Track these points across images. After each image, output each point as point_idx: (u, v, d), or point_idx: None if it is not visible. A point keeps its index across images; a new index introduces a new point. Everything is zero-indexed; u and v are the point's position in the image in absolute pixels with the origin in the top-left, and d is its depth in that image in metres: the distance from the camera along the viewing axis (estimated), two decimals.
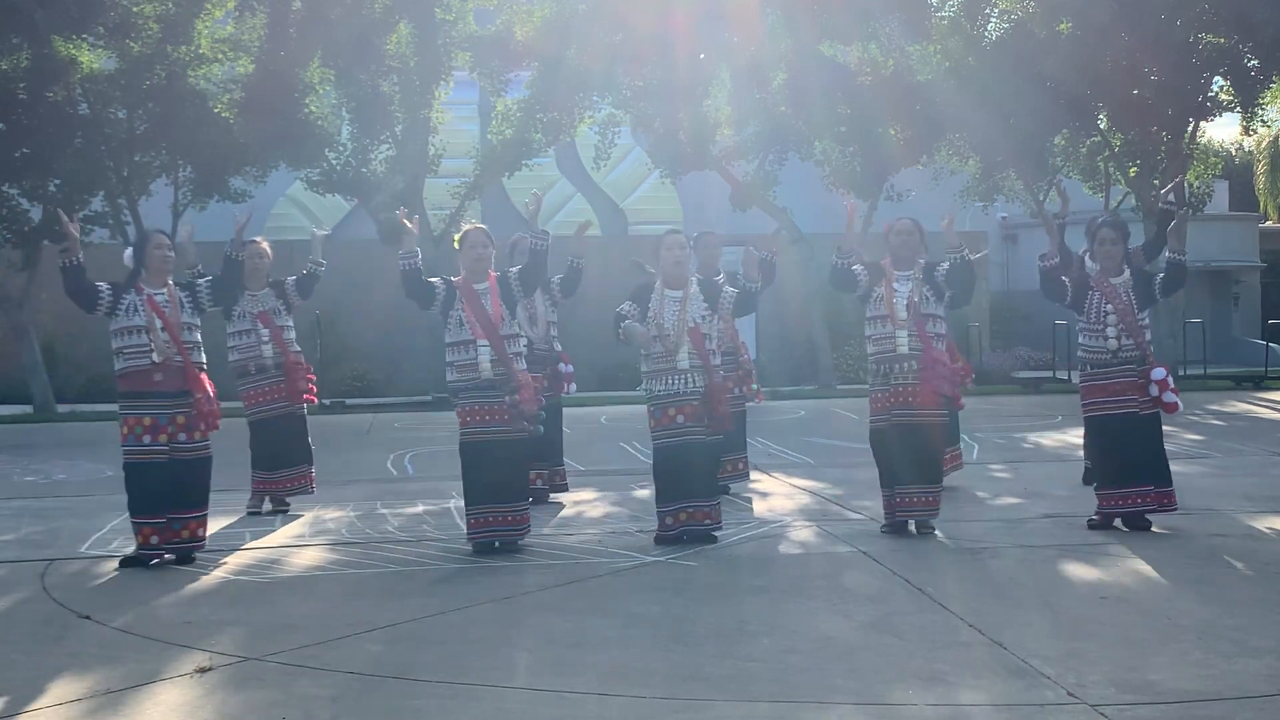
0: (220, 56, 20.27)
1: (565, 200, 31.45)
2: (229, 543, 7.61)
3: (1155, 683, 4.46)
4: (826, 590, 6.06)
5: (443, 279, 7.22)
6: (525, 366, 7.37)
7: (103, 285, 6.98)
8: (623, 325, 7.37)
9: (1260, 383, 22.09)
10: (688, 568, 6.67)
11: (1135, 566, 6.47)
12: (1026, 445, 12.64)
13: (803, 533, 7.67)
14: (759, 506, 8.76)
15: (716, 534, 7.32)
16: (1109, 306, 7.46)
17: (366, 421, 17.20)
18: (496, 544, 7.14)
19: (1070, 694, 4.35)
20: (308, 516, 8.57)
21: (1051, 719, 4.16)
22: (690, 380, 7.23)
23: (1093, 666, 4.65)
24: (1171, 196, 8.31)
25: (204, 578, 6.64)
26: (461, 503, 8.86)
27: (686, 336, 7.23)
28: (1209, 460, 11.04)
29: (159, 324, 6.89)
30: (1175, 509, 7.52)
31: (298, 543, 7.65)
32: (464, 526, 7.61)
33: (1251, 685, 4.43)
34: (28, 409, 19.80)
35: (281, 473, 8.77)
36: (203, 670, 4.80)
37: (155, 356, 6.85)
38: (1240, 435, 13.23)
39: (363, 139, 21.04)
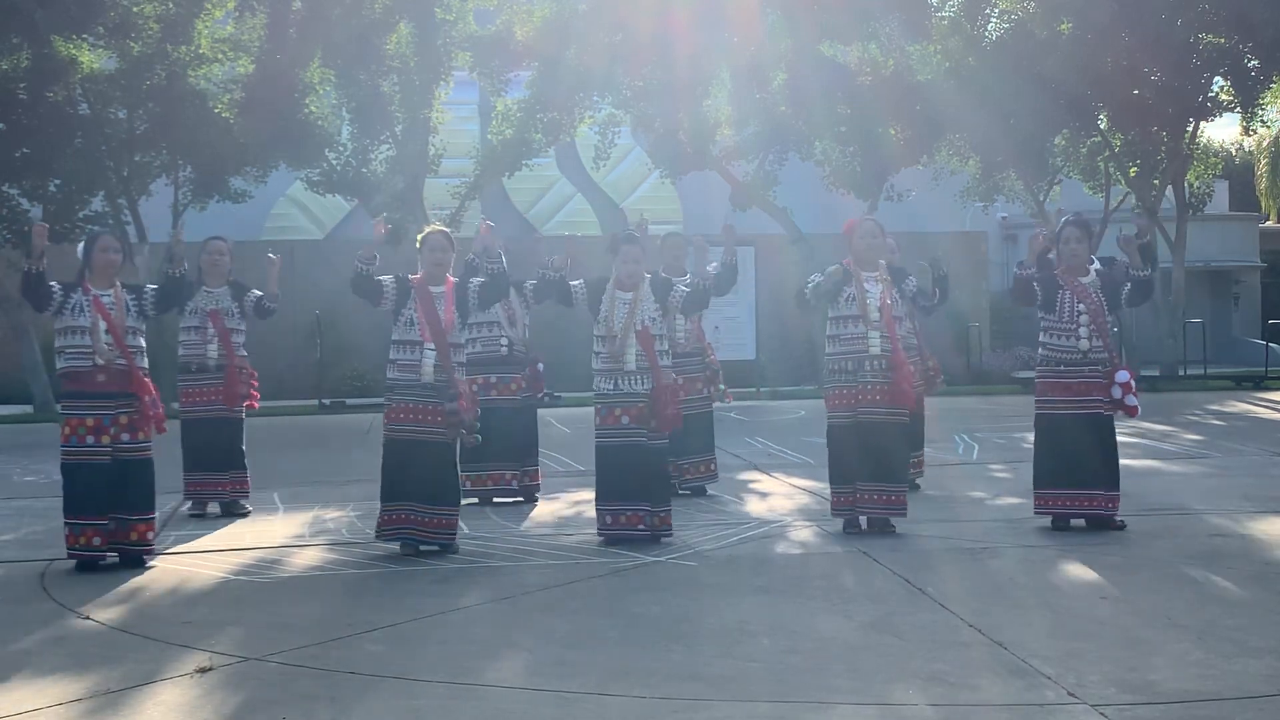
0: (220, 56, 20.26)
1: (565, 200, 31.48)
2: (229, 543, 7.61)
3: (1155, 683, 4.47)
4: (826, 590, 6.06)
5: (395, 276, 7.16)
6: (465, 375, 7.27)
7: (55, 285, 6.89)
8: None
9: (1260, 383, 22.08)
10: (688, 568, 6.67)
11: (1135, 566, 6.47)
12: (1026, 445, 12.56)
13: (803, 533, 7.67)
14: (759, 506, 8.76)
15: (664, 538, 7.25)
16: (1081, 306, 7.43)
17: (366, 421, 17.18)
18: (419, 547, 7.02)
19: (1070, 694, 4.35)
20: (308, 516, 8.57)
21: (1051, 719, 4.16)
22: (637, 381, 7.23)
23: (1093, 666, 4.65)
24: (1135, 234, 8.16)
25: (204, 578, 6.63)
26: (461, 503, 8.89)
27: (634, 338, 7.24)
28: (1209, 460, 11.03)
29: (103, 326, 6.82)
30: (1116, 515, 7.42)
31: (298, 543, 7.65)
32: (464, 527, 7.62)
33: (1251, 685, 4.44)
34: (28, 409, 19.80)
35: (213, 475, 8.63)
36: (203, 670, 4.79)
37: (97, 359, 6.78)
38: (1240, 435, 13.22)
39: (363, 139, 21.04)
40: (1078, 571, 6.41)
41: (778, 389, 20.63)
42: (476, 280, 7.40)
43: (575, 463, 11.16)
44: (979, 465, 10.76)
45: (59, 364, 6.88)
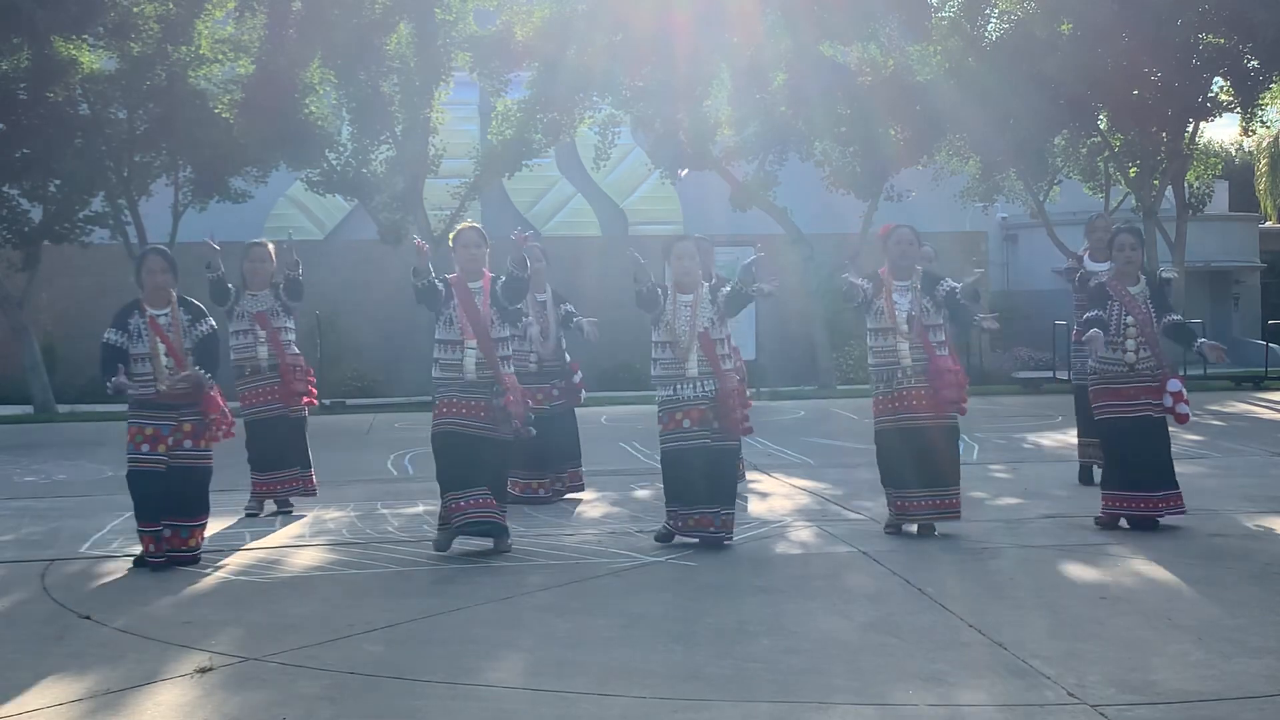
0: (220, 57, 20.28)
1: (565, 200, 31.46)
2: (229, 543, 7.61)
3: (1155, 683, 4.47)
4: (826, 590, 6.06)
5: (440, 278, 7.21)
6: (513, 370, 7.31)
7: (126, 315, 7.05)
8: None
9: (1260, 383, 22.09)
10: (688, 568, 6.67)
11: (1135, 566, 6.47)
12: (1026, 445, 12.64)
13: (803, 533, 7.67)
14: (759, 506, 8.76)
15: (727, 542, 7.21)
16: (1130, 318, 7.42)
17: (366, 421, 17.20)
18: (477, 534, 7.07)
19: (1070, 694, 4.35)
20: (308, 517, 8.57)
21: (1051, 719, 4.16)
22: (699, 386, 7.21)
23: (1093, 666, 4.65)
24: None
25: (204, 578, 6.64)
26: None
27: (696, 342, 7.22)
28: (1209, 460, 11.04)
29: (162, 349, 6.92)
30: (1184, 511, 7.50)
31: (298, 543, 7.65)
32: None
33: (1251, 685, 4.44)
34: (28, 409, 19.80)
35: (277, 474, 8.72)
36: (203, 670, 4.80)
37: (160, 386, 6.87)
38: (1240, 435, 13.23)
39: (363, 139, 21.04)
40: (1078, 571, 6.41)
41: (778, 389, 20.62)
42: (500, 279, 7.39)
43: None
44: (979, 465, 10.76)
45: (129, 392, 6.92)
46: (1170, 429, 7.68)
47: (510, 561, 6.94)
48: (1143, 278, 7.58)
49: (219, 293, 8.56)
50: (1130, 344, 7.40)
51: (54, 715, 4.35)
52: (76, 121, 19.71)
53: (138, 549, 7.00)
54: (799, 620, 5.46)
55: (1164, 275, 7.70)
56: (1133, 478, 7.41)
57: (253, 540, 7.72)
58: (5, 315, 20.13)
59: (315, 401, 9.04)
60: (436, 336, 7.16)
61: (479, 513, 6.99)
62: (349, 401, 20.14)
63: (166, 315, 7.02)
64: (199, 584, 6.51)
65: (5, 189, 19.65)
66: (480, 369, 7.04)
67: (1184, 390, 7.44)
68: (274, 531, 8.05)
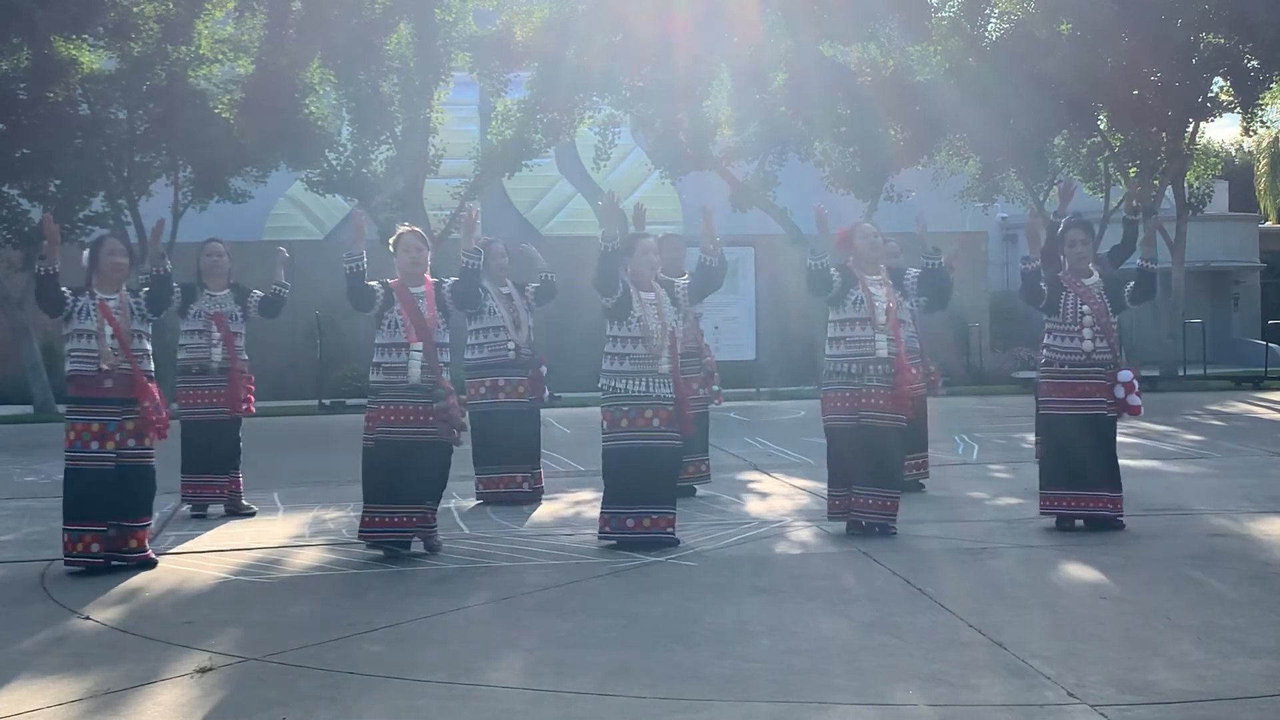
0: (220, 57, 20.28)
1: (565, 200, 31.45)
2: (229, 543, 7.61)
3: (1155, 683, 4.46)
4: (826, 590, 6.06)
5: (380, 282, 7.08)
6: (449, 375, 7.16)
7: (66, 291, 6.85)
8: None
9: (1260, 383, 22.09)
10: (688, 568, 6.67)
11: (1135, 566, 6.47)
12: (1026, 445, 12.61)
13: (803, 533, 7.67)
14: (759, 506, 8.76)
15: (677, 540, 7.17)
16: (1085, 307, 7.42)
17: None
18: (402, 550, 6.96)
19: (1070, 694, 4.35)
20: (308, 516, 8.57)
21: (1051, 719, 4.16)
22: (668, 384, 7.17)
23: (1093, 666, 4.65)
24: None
25: (204, 578, 6.64)
26: (461, 503, 8.91)
27: (667, 339, 7.19)
28: (1209, 460, 11.03)
29: (109, 330, 6.79)
30: (1121, 515, 7.43)
31: (298, 543, 7.65)
32: (464, 528, 7.63)
33: (1251, 685, 4.43)
34: (28, 409, 19.80)
35: (208, 479, 8.63)
36: (203, 670, 4.79)
37: (102, 364, 6.75)
38: (1240, 435, 13.22)
39: (363, 139, 21.04)
40: (1078, 571, 6.41)
41: (778, 389, 20.62)
42: (450, 280, 7.27)
43: (575, 463, 11.16)
44: (979, 465, 10.76)
45: (67, 367, 6.85)
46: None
47: (510, 561, 6.95)
48: (1095, 272, 7.59)
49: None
50: (1086, 333, 7.39)
51: (54, 715, 4.35)
52: (76, 121, 19.71)
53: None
54: (799, 620, 5.46)
55: (1127, 218, 7.80)
56: (1080, 476, 7.39)
57: (252, 540, 7.72)
58: (5, 315, 20.14)
59: (253, 409, 8.89)
60: (377, 341, 7.03)
61: (399, 532, 6.95)
62: (349, 401, 20.12)
63: (115, 300, 6.90)
64: (199, 584, 6.50)
65: (5, 189, 19.65)
66: (425, 373, 6.95)
67: (1135, 381, 7.40)
68: (274, 531, 8.05)
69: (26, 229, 19.76)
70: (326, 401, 20.30)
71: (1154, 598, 5.80)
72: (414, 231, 7.29)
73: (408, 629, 5.44)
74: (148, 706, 4.41)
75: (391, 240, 7.33)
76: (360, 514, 7.09)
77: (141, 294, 7.13)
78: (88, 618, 5.73)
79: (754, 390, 20.74)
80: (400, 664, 4.88)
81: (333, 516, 8.56)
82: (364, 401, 7.30)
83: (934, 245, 7.67)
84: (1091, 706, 4.22)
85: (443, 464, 7.10)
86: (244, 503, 8.82)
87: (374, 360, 7.06)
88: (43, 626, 5.62)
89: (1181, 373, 22.67)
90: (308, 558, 7.17)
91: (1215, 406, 17.24)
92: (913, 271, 7.61)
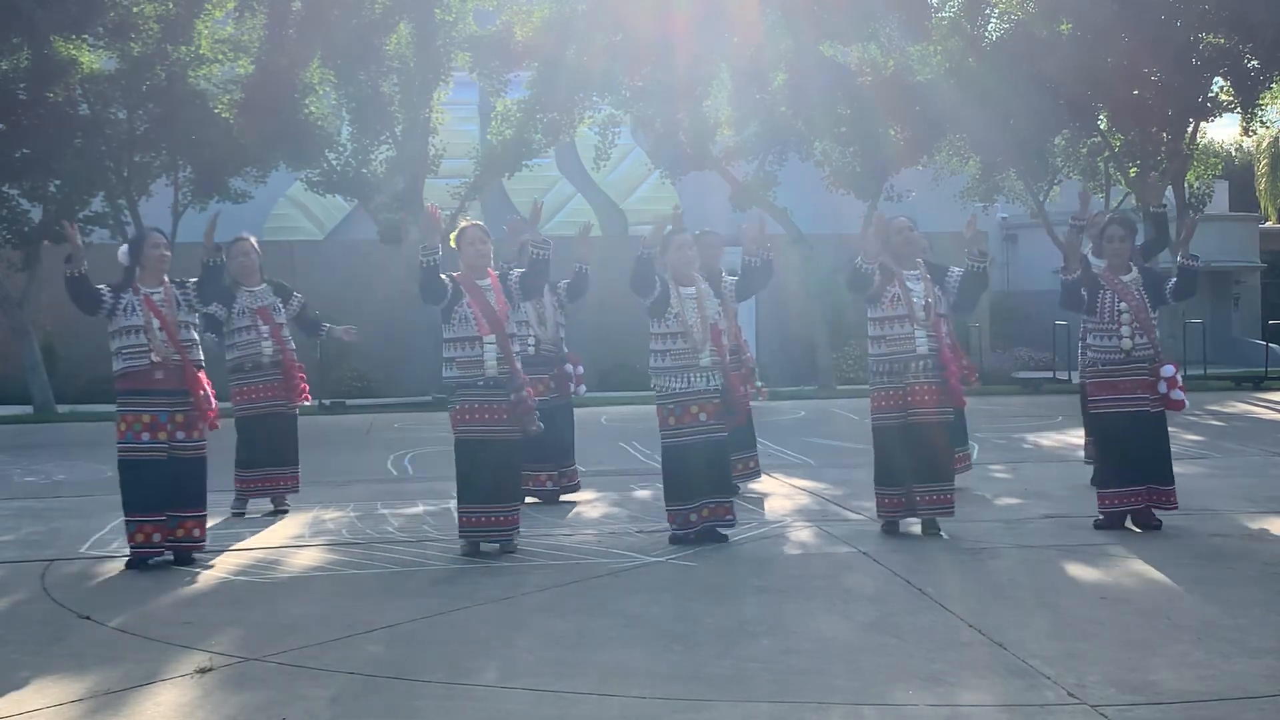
0: (220, 57, 20.28)
1: (565, 200, 31.45)
2: (229, 543, 7.61)
3: (1155, 683, 4.47)
4: (826, 590, 6.06)
5: (448, 275, 7.17)
6: (523, 366, 7.35)
7: (104, 288, 6.97)
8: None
9: (1260, 383, 22.08)
10: (688, 568, 6.67)
11: (1135, 566, 6.47)
12: (1026, 445, 12.64)
13: (803, 533, 7.67)
14: (759, 507, 8.75)
15: (729, 531, 7.33)
16: (1123, 304, 7.40)
17: (366, 422, 17.19)
18: (497, 545, 7.09)
19: (1070, 694, 4.35)
20: (308, 516, 8.57)
21: (1051, 719, 4.16)
22: (711, 378, 7.24)
23: (1093, 666, 4.65)
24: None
25: (204, 578, 6.64)
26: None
27: (709, 334, 7.23)
28: (1209, 460, 11.03)
29: (156, 324, 6.88)
30: (1176, 509, 7.50)
31: (298, 543, 7.65)
32: None
33: (1251, 685, 4.44)
34: (28, 409, 19.80)
35: (266, 471, 8.69)
36: (203, 670, 4.80)
37: (154, 356, 6.84)
38: (1240, 435, 13.23)
39: (363, 139, 21.05)
40: (1078, 571, 6.41)
41: (778, 389, 20.59)
42: (517, 271, 7.40)
43: (578, 463, 11.15)
44: (979, 465, 10.75)
45: (115, 365, 6.91)
46: (1170, 428, 7.67)
47: (510, 561, 6.94)
48: (1134, 267, 7.58)
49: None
50: (1125, 330, 7.39)
51: (54, 715, 4.35)
52: (76, 121, 19.71)
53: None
54: (799, 620, 5.46)
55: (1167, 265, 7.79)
56: (1130, 473, 7.40)
57: (253, 540, 7.72)
58: (5, 315, 20.13)
59: (309, 398, 9.06)
60: (448, 336, 7.09)
61: (501, 531, 7.07)
62: (349, 401, 20.12)
63: (160, 293, 6.99)
64: (199, 584, 6.51)
65: (5, 189, 19.64)
66: (500, 364, 7.03)
67: (1179, 376, 7.42)
68: (274, 531, 8.05)
69: (26, 229, 19.76)
70: (327, 401, 20.28)
71: (1154, 598, 5.80)
72: (477, 225, 7.38)
73: (407, 629, 5.44)
74: (148, 707, 4.41)
75: (453, 235, 7.43)
76: (458, 514, 7.19)
77: (189, 284, 7.22)
78: (88, 618, 5.73)
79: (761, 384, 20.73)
80: (400, 664, 4.88)
81: (333, 517, 8.56)
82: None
83: (980, 249, 7.54)
84: (1091, 706, 4.22)
85: (518, 462, 7.26)
86: (286, 499, 8.86)
87: (445, 355, 7.10)
88: (43, 626, 5.62)
89: (1182, 373, 22.66)
90: (308, 558, 7.17)
91: (1215, 406, 17.25)
92: (956, 270, 7.53)
